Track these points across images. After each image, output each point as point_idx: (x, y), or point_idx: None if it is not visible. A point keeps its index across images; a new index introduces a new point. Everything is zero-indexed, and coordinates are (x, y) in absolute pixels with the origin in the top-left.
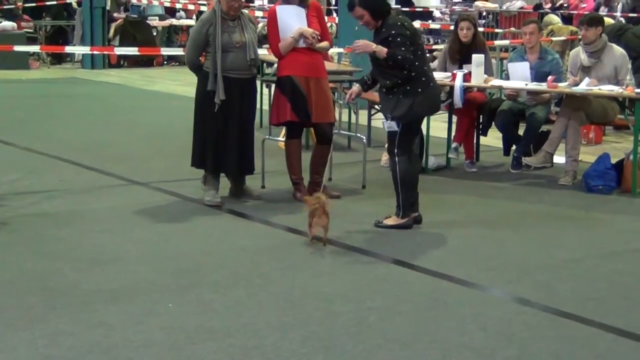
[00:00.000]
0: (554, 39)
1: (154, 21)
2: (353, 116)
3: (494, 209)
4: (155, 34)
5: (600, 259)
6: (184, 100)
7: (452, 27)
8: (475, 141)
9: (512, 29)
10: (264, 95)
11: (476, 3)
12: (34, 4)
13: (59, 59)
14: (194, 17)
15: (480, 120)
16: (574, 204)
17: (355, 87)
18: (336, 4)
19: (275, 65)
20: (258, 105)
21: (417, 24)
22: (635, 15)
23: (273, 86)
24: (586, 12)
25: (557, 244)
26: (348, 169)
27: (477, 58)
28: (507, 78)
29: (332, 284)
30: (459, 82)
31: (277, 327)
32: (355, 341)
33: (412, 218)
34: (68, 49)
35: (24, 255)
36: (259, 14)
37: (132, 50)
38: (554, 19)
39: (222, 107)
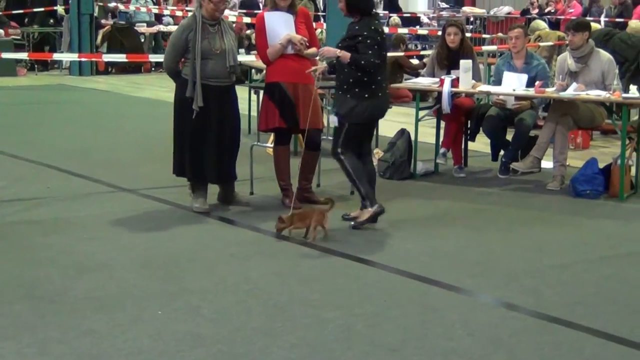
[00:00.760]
0: (541, 44)
1: (141, 28)
2: None
3: (482, 214)
4: (142, 40)
5: (588, 263)
6: (171, 106)
7: (439, 33)
8: (463, 146)
9: (500, 34)
10: (253, 102)
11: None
12: (21, 11)
13: (44, 64)
14: None
15: (469, 126)
16: (561, 208)
17: (324, 65)
18: (324, 10)
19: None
20: (245, 112)
21: (404, 29)
22: (622, 20)
23: (261, 92)
24: (573, 18)
25: (545, 249)
26: (336, 175)
27: (465, 64)
28: (495, 84)
29: (321, 290)
30: (447, 88)
31: (265, 334)
32: (344, 347)
33: (380, 205)
34: (56, 56)
35: (11, 263)
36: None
37: (120, 57)
38: (541, 24)
39: (201, 115)
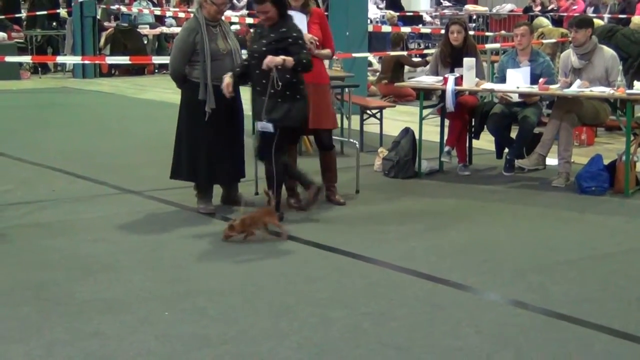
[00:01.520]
0: (544, 41)
1: (144, 29)
2: (345, 121)
3: (488, 211)
4: (146, 42)
5: (594, 260)
6: (175, 108)
7: (442, 31)
8: (467, 144)
9: (503, 32)
10: None
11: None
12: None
13: (44, 66)
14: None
15: (473, 124)
16: (567, 205)
17: (229, 77)
18: (327, 10)
19: None
20: (250, 112)
21: (407, 28)
22: (624, 16)
23: None
24: (576, 14)
25: (551, 245)
26: (341, 174)
27: (468, 61)
28: (499, 81)
29: (327, 290)
30: (450, 86)
31: (272, 334)
32: (351, 346)
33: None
34: (59, 59)
35: (17, 265)
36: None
37: (124, 59)
38: (544, 21)
39: (212, 117)
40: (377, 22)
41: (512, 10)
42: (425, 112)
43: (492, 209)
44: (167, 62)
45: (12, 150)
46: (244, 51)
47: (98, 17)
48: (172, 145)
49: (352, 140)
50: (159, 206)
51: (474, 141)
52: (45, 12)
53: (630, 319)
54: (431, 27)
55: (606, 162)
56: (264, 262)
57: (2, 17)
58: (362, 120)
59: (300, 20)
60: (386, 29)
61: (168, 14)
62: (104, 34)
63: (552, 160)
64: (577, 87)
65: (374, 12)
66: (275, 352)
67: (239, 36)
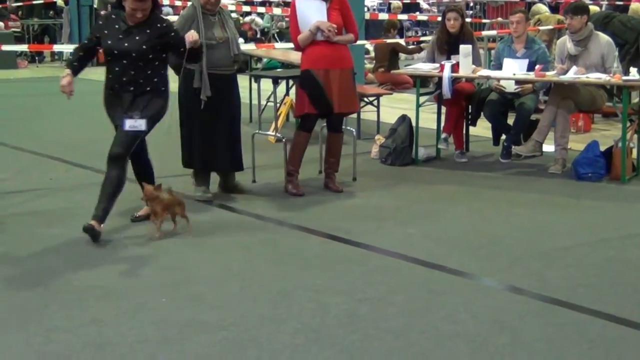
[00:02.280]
0: (541, 28)
1: None
2: None
3: (485, 198)
4: None
5: (590, 246)
6: (173, 96)
7: (439, 19)
8: (464, 131)
9: (500, 19)
10: (253, 90)
11: None
12: (20, 3)
13: (40, 54)
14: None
15: (469, 111)
16: (563, 192)
17: (68, 75)
18: None
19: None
20: (247, 100)
21: (404, 16)
22: (621, 3)
23: (261, 81)
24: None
25: (548, 232)
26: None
27: (465, 49)
28: (495, 68)
29: (324, 276)
30: (447, 73)
31: (270, 320)
32: (348, 332)
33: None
34: (56, 47)
35: (16, 254)
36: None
37: None
38: (542, 8)
39: (208, 105)
40: (374, 9)
41: None
42: (422, 99)
43: (489, 196)
44: None
45: (9, 139)
46: (241, 40)
47: (95, 5)
48: (169, 134)
49: (349, 127)
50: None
51: (471, 128)
52: (42, 1)
53: (626, 304)
54: (428, 15)
55: (603, 148)
56: (261, 249)
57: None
58: (359, 108)
59: (319, 8)
60: (383, 16)
61: (165, 2)
62: None
63: (548, 147)
64: (573, 74)
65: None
66: (273, 337)
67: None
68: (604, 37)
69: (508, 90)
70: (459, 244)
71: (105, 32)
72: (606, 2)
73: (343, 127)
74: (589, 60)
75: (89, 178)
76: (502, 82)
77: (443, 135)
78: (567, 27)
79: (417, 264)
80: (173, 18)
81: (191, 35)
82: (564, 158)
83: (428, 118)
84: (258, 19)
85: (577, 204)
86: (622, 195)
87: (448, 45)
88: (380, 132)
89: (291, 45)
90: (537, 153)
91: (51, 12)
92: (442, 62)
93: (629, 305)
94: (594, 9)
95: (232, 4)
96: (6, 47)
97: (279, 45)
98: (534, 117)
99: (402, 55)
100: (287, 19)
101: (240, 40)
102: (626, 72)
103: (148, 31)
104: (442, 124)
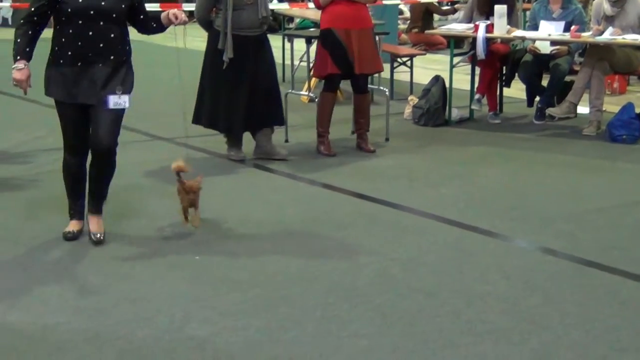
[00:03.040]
0: None
1: None
2: None
3: (518, 159)
4: None
5: (623, 208)
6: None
7: None
8: (498, 93)
9: None
10: (286, 50)
11: None
12: None
13: None
14: None
15: (504, 72)
16: (597, 154)
17: (25, 67)
18: None
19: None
20: (280, 60)
21: None
22: None
23: (294, 41)
24: None
25: (581, 193)
26: (371, 122)
27: (500, 9)
28: (531, 29)
29: (356, 236)
30: (481, 33)
31: (301, 278)
32: (380, 291)
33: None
34: None
35: (49, 211)
36: None
37: (154, 6)
38: None
39: (234, 66)
40: None
41: None
42: (456, 59)
43: (522, 157)
44: None
45: (44, 98)
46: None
47: None
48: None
49: (382, 88)
50: (190, 153)
51: (505, 89)
52: None
53: None
54: None
55: (638, 110)
56: (294, 209)
57: None
58: (392, 68)
59: None
60: None
61: None
62: None
63: (583, 109)
64: (609, 35)
65: None
66: (305, 296)
67: None
68: None
69: (543, 52)
70: (491, 205)
71: None
72: None
73: (376, 87)
74: (625, 21)
75: (124, 137)
76: (537, 44)
77: (476, 96)
78: None
79: (449, 225)
80: None
81: (180, 17)
82: (599, 120)
83: (462, 79)
84: None
85: (610, 166)
86: None
87: (488, 7)
88: (413, 93)
89: None
90: (571, 115)
91: None
92: (477, 22)
93: None
94: None
95: None
96: None
97: (312, 5)
98: (568, 78)
99: (435, 16)
100: None
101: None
102: None
103: None
104: (476, 84)
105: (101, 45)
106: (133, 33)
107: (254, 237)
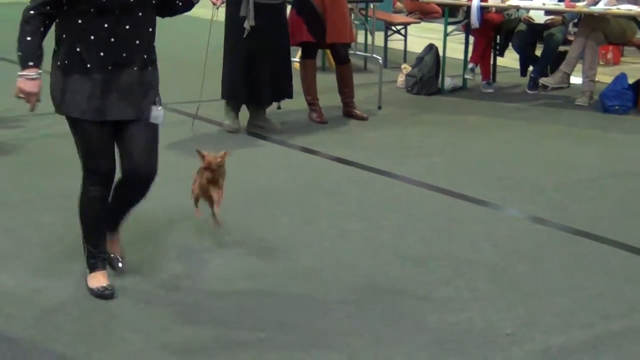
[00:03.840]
0: None
1: None
2: (369, 37)
3: (510, 129)
4: None
5: (614, 178)
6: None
7: None
8: (492, 62)
9: None
10: None
11: None
12: None
13: None
14: None
15: (497, 41)
16: (590, 123)
17: (38, 76)
18: None
19: None
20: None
21: None
22: None
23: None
24: None
25: (572, 163)
26: (364, 90)
27: None
28: None
29: (346, 203)
30: (476, 2)
31: (291, 244)
32: (368, 257)
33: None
34: None
35: (43, 175)
36: None
37: None
38: None
39: (254, 34)
40: None
41: None
42: (450, 28)
43: (515, 127)
44: None
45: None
46: None
47: None
48: (201, 61)
49: (375, 56)
50: (183, 119)
51: (499, 58)
52: None
53: None
54: None
55: (631, 81)
56: (285, 176)
57: None
58: (386, 36)
59: None
60: None
61: None
62: None
63: (576, 79)
64: (604, 5)
65: None
66: (295, 262)
67: None
68: None
69: (537, 22)
70: (483, 174)
71: None
72: None
73: (370, 55)
74: None
75: None
76: (531, 14)
77: (470, 65)
78: None
79: (440, 193)
80: None
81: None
82: (592, 90)
83: (455, 48)
84: None
85: (602, 136)
86: None
87: None
88: (407, 61)
89: None
90: (564, 84)
91: None
92: None
93: None
94: None
95: None
96: None
97: None
98: (562, 48)
99: None
100: None
101: None
102: None
103: None
104: (470, 53)
105: (137, 42)
106: None
107: (245, 202)
